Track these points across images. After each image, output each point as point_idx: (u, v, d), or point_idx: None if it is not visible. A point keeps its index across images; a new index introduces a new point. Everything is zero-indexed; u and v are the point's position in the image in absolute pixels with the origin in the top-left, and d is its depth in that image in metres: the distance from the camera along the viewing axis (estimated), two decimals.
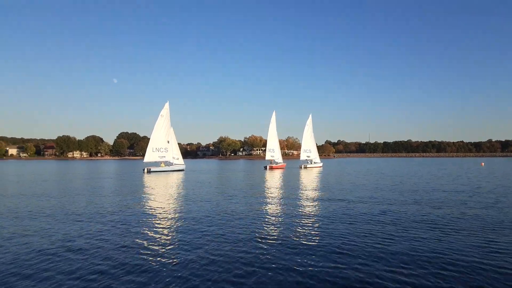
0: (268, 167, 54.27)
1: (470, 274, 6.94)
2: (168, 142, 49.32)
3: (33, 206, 16.36)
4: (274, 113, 58.18)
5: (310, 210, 15.02)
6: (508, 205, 15.80)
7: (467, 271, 7.09)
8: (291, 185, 27.70)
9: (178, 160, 51.96)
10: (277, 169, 53.75)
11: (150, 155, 48.02)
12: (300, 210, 14.96)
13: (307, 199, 18.96)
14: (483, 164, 73.07)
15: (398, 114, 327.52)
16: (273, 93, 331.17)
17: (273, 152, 57.95)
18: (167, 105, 49.09)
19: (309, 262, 7.76)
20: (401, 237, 9.86)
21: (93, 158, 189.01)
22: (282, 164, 59.91)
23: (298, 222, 12.26)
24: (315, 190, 24.00)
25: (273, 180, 32.86)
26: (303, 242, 9.44)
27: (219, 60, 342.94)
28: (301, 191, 22.87)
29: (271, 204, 16.93)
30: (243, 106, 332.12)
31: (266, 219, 12.81)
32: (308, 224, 11.79)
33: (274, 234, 10.43)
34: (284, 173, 45.44)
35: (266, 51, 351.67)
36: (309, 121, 63.85)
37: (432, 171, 46.62)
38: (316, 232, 10.54)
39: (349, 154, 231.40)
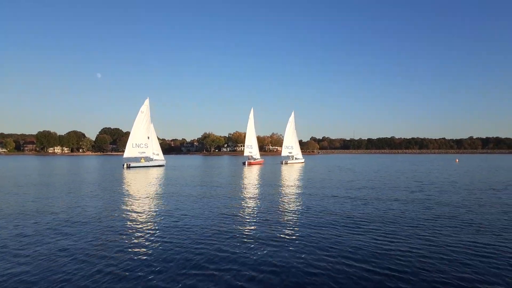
0: (246, 163, 55.63)
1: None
2: (148, 138, 50.12)
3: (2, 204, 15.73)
4: (252, 110, 60.18)
5: (286, 204, 15.51)
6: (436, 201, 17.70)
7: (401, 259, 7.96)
8: (269, 180, 28.93)
9: (158, 155, 52.83)
10: (255, 165, 55.37)
11: (130, 151, 48.72)
12: (275, 204, 15.38)
13: (284, 193, 19.61)
14: (457, 160, 75.92)
15: (383, 111, 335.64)
16: (259, 90, 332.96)
17: (251, 148, 59.48)
18: (147, 101, 49.85)
19: (287, 256, 7.92)
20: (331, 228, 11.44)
21: (75, 153, 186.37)
22: (260, 160, 61.45)
23: (271, 216, 12.65)
24: (292, 184, 25.14)
25: (252, 176, 34.03)
26: (278, 235, 9.78)
27: (206, 56, 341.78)
28: (279, 186, 23.65)
29: (247, 199, 17.35)
30: (228, 102, 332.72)
31: (241, 214, 13.11)
32: (283, 219, 12.16)
33: (249, 229, 10.66)
34: (265, 168, 47.02)
35: (252, 48, 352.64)
36: (292, 118, 65.56)
37: (401, 168, 48.98)
38: (291, 226, 11.09)
39: (333, 150, 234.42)
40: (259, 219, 12.23)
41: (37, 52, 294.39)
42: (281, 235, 9.81)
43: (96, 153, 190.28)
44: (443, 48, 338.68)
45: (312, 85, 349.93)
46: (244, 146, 60.09)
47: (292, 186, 23.93)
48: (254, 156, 59.91)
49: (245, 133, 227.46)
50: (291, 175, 34.82)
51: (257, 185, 24.63)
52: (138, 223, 11.65)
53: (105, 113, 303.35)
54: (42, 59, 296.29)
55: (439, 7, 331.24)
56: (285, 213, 13.34)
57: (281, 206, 15.08)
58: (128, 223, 11.61)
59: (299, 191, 20.53)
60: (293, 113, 65.93)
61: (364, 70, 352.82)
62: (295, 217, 12.54)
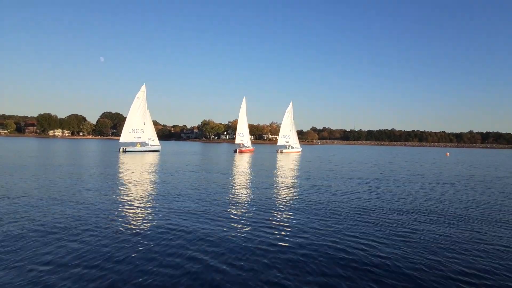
0: (238, 151, 56.92)
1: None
2: (144, 123, 51.01)
3: None
4: (244, 99, 61.39)
5: (278, 192, 15.89)
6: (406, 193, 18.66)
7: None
8: (259, 167, 30.11)
9: (153, 141, 53.85)
10: (246, 153, 56.72)
11: (126, 136, 49.82)
12: (265, 192, 15.71)
13: (275, 182, 19.91)
14: (448, 154, 76.82)
15: (384, 103, 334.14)
16: (259, 80, 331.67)
17: (243, 136, 60.69)
18: (143, 87, 50.61)
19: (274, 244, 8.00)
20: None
21: (75, 137, 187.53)
22: (251, 148, 62.80)
23: (259, 202, 13.04)
24: (285, 172, 26.25)
25: (241, 163, 35.02)
26: (264, 220, 10.16)
27: (209, 42, 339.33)
28: (271, 174, 24.29)
29: (238, 187, 17.62)
30: (230, 90, 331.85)
31: (229, 201, 13.32)
32: (275, 206, 12.37)
33: (233, 213, 10.94)
34: (260, 156, 48.32)
35: (253, 37, 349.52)
36: (290, 108, 66.97)
37: (393, 160, 49.85)
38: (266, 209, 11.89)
39: (333, 141, 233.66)
40: (236, 201, 13.22)
41: (41, 37, 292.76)
42: (257, 217, 10.76)
43: (96, 137, 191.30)
44: (444, 41, 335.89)
45: (313, 75, 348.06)
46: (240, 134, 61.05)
47: (277, 172, 24.95)
48: (245, 144, 61.17)
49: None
50: (280, 163, 35.88)
51: (244, 172, 25.62)
52: (125, 204, 12.10)
53: (107, 98, 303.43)
54: (46, 44, 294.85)
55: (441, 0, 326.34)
56: (263, 197, 14.32)
57: (263, 191, 16.03)
58: (117, 205, 12.01)
59: (284, 178, 21.60)
60: (291, 103, 67.24)
61: (366, 62, 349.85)
62: (276, 202, 13.47)
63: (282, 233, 8.92)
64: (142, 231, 8.74)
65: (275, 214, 11.07)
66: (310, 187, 17.63)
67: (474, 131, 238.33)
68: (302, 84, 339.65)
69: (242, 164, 33.86)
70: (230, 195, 14.63)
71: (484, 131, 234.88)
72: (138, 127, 50.48)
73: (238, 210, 11.58)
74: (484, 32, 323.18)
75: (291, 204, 12.97)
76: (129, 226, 9.21)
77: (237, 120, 60.25)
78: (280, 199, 13.92)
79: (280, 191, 16.13)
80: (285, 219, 10.42)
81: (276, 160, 40.64)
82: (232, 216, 10.75)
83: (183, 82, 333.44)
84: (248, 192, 15.83)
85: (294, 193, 15.62)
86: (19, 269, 6.22)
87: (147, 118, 51.94)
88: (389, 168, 32.64)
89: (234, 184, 18.40)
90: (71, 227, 9.01)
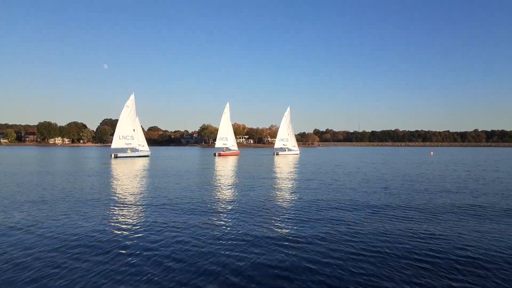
0: (218, 154, 59.51)
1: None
2: (134, 130, 52.36)
3: None
4: (228, 104, 63.82)
5: (263, 194, 16.47)
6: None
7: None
8: (233, 169, 31.70)
9: (143, 147, 55.44)
10: (229, 156, 58.84)
11: (117, 142, 51.42)
12: (253, 194, 16.34)
13: (264, 184, 20.70)
14: (432, 153, 77.17)
15: (387, 103, 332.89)
16: (259, 84, 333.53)
17: (226, 140, 63.00)
18: (132, 96, 52.62)
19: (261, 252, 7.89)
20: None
21: (75, 144, 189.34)
22: (236, 151, 64.89)
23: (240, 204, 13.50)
24: (274, 174, 27.82)
25: (225, 166, 36.37)
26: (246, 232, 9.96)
27: (213, 45, 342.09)
28: (259, 176, 25.56)
29: (221, 189, 18.35)
30: (231, 95, 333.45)
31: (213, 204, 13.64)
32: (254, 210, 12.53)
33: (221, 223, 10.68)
34: (245, 159, 49.93)
35: (252, 39, 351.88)
36: (287, 113, 70.31)
37: (375, 161, 50.73)
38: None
39: (335, 143, 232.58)
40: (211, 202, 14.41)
41: (41, 45, 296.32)
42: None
43: (96, 144, 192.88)
44: (447, 40, 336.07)
45: (316, 77, 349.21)
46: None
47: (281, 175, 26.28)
48: (230, 148, 63.26)
49: (243, 125, 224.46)
50: (280, 165, 37.26)
51: (221, 175, 27.20)
52: (125, 211, 12.30)
53: (107, 104, 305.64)
54: (45, 50, 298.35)
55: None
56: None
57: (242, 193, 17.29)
58: (104, 207, 12.91)
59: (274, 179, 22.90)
60: (288, 108, 71.03)
61: (369, 63, 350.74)
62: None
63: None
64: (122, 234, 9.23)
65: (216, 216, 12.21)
66: (276, 187, 19.14)
67: (479, 130, 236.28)
68: (304, 87, 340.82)
69: (222, 167, 35.20)
70: (195, 199, 15.29)
71: (489, 130, 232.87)
72: (128, 133, 51.98)
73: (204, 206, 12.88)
74: (487, 30, 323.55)
75: (233, 205, 14.41)
76: (113, 230, 9.56)
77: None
78: (221, 201, 15.40)
79: (224, 192, 17.56)
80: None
81: (276, 162, 42.62)
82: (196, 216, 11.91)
83: (184, 87, 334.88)
84: (213, 193, 17.12)
85: (248, 193, 17.09)
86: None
87: (137, 125, 53.56)
88: (355, 169, 33.74)
89: (210, 186, 19.65)
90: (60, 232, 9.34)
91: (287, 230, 9.45)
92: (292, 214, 11.65)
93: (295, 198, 15.10)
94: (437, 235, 8.95)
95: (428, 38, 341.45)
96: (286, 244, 8.17)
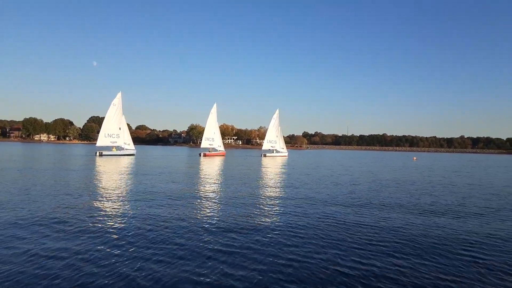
0: (203, 154, 59.65)
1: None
2: (120, 128, 52.19)
3: None
4: (215, 105, 64.09)
5: (246, 193, 17.21)
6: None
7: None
8: (234, 171, 31.91)
9: (129, 145, 55.29)
10: (215, 156, 59.21)
11: (102, 140, 51.19)
12: (235, 193, 16.97)
13: (251, 184, 21.38)
14: (415, 158, 78.19)
15: (376, 108, 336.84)
16: (249, 86, 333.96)
17: (212, 140, 63.19)
18: (119, 95, 52.35)
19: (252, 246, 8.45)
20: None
21: (61, 141, 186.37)
22: (222, 152, 65.21)
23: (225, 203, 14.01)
24: (261, 175, 28.49)
25: (210, 166, 36.68)
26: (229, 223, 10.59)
27: (203, 45, 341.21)
28: (245, 176, 26.14)
29: (205, 188, 19.06)
30: (221, 96, 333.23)
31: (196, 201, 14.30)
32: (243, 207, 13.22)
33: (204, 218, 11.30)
34: (231, 160, 50.27)
35: (243, 41, 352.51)
36: (276, 115, 71.03)
37: (354, 165, 51.65)
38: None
39: (324, 146, 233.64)
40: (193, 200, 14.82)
41: (26, 39, 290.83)
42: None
43: (83, 142, 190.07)
44: (436, 47, 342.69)
45: (305, 80, 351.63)
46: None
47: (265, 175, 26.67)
48: (216, 148, 63.56)
49: (232, 126, 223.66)
50: (267, 167, 37.75)
51: (204, 175, 27.57)
52: (109, 208, 12.64)
53: (94, 102, 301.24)
54: (32, 46, 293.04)
55: (433, 5, 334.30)
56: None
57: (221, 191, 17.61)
58: (89, 203, 13.26)
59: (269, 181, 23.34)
60: (277, 110, 71.99)
61: (359, 67, 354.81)
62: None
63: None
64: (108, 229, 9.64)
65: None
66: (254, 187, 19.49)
67: (465, 136, 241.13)
68: (294, 89, 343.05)
69: (211, 167, 35.63)
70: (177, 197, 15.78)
71: (475, 136, 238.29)
72: (114, 132, 51.82)
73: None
74: (476, 37, 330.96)
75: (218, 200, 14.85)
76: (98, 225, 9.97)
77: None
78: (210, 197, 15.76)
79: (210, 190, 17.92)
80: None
81: (264, 164, 43.30)
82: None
83: (175, 86, 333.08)
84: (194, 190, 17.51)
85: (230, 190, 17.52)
86: None
87: (123, 123, 53.37)
88: (336, 173, 34.52)
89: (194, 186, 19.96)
90: (44, 224, 9.90)
91: (254, 223, 9.94)
92: (262, 210, 12.12)
93: (270, 196, 15.55)
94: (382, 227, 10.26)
95: (418, 45, 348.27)
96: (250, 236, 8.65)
